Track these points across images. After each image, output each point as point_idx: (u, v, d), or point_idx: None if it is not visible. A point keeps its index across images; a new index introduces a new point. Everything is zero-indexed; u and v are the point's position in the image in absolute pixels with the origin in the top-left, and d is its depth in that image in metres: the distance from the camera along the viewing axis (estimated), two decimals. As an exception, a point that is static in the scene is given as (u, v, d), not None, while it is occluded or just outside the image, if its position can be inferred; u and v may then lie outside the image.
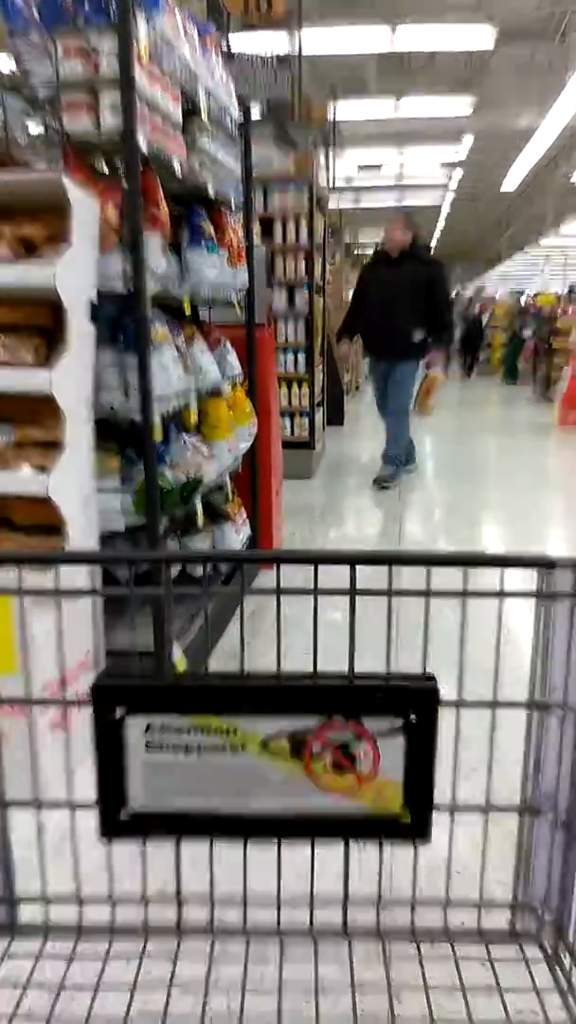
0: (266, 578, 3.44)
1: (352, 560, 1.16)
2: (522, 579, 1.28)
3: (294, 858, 1.34)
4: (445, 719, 1.18)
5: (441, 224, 22.31)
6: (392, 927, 1.37)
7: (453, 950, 1.33)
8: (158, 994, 1.26)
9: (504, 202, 18.32)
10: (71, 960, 1.32)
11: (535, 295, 19.87)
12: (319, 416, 6.56)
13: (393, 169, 14.95)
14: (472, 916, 1.37)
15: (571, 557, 1.18)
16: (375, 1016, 1.26)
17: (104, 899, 1.36)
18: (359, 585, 1.18)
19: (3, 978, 1.30)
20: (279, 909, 1.36)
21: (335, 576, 1.19)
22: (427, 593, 1.19)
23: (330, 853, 1.34)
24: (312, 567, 1.20)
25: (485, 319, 17.95)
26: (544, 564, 1.19)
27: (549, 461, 7.55)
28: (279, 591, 1.18)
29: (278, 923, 1.36)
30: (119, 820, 1.19)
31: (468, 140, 12.86)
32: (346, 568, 1.17)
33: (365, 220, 19.35)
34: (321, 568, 1.19)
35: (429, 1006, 1.24)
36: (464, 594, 1.20)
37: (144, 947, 1.34)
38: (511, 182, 14.80)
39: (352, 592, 1.17)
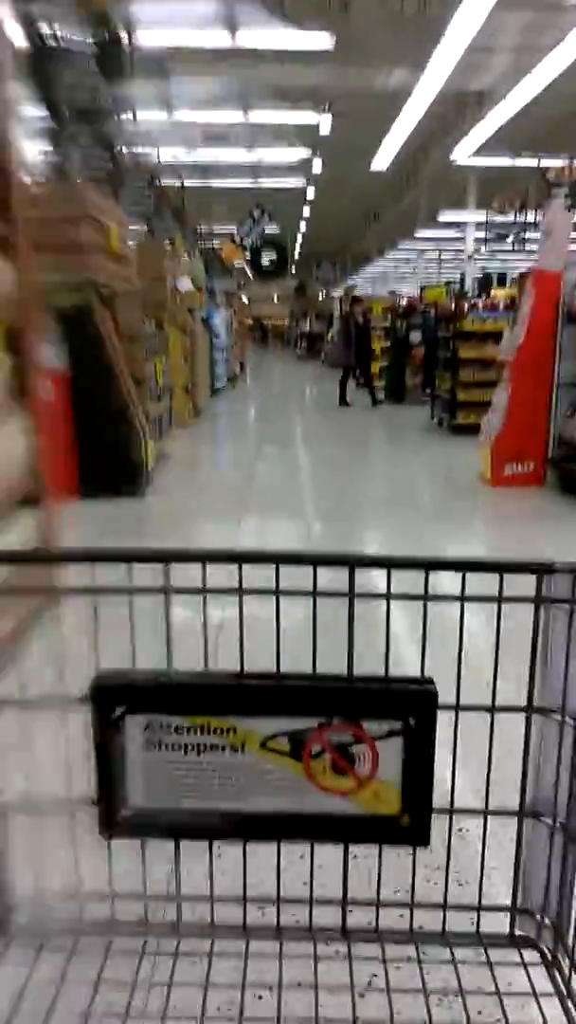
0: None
1: (351, 562, 1.17)
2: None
3: (293, 858, 1.34)
4: (443, 723, 1.18)
5: (307, 213, 19.24)
6: (391, 929, 1.38)
7: (452, 953, 1.34)
8: (157, 993, 1.27)
9: (374, 186, 15.03)
10: (70, 958, 1.33)
11: (422, 289, 16.70)
12: None
13: (243, 139, 12.04)
14: (471, 919, 1.37)
15: (570, 562, 1.19)
16: (374, 1018, 1.27)
17: (103, 897, 1.37)
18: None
19: (1, 976, 1.31)
20: (278, 909, 1.36)
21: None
22: (425, 597, 1.20)
23: (330, 853, 1.34)
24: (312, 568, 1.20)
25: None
26: (543, 569, 1.19)
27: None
28: (278, 592, 1.19)
29: (277, 923, 1.36)
30: (118, 819, 1.20)
31: (328, 99, 10.33)
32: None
33: (217, 204, 16.24)
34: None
35: (428, 1009, 1.24)
36: (462, 598, 1.20)
37: (143, 946, 1.35)
38: (382, 160, 12.20)
39: (351, 595, 1.18)
